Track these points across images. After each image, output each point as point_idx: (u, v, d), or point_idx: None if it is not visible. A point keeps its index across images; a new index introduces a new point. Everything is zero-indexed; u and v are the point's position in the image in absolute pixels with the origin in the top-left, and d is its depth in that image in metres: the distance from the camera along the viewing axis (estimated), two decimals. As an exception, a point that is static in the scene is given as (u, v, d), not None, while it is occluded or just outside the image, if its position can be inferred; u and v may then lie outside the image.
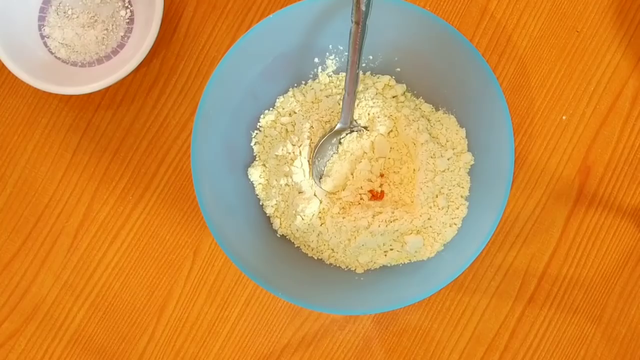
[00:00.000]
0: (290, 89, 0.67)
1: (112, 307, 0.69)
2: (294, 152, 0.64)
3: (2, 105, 0.70)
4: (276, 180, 0.64)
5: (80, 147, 0.70)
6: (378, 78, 0.66)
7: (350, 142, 0.65)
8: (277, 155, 0.64)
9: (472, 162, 0.64)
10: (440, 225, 0.63)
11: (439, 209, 0.63)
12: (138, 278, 0.69)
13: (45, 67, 0.68)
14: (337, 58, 0.66)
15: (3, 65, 0.66)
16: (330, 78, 0.66)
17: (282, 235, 0.66)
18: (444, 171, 0.63)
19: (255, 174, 0.66)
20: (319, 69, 0.66)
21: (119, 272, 0.69)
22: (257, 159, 0.66)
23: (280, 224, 0.65)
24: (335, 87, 0.66)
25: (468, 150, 0.65)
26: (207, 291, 0.69)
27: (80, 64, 0.69)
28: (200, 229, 0.69)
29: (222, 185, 0.64)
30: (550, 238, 0.69)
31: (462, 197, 0.64)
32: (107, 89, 0.69)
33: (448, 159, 0.64)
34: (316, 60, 0.66)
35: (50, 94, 0.69)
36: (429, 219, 0.63)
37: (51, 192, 0.70)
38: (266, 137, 0.66)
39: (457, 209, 0.64)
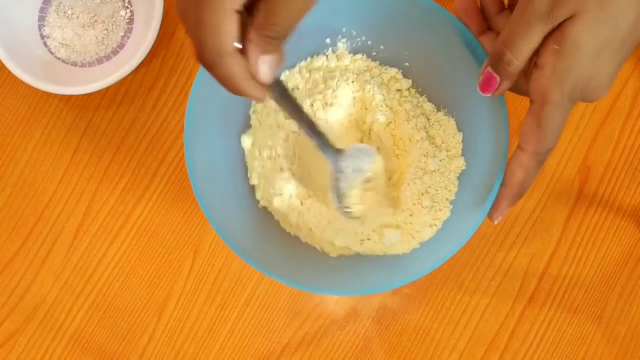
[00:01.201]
0: (297, 65, 0.66)
1: (112, 307, 0.69)
2: (284, 125, 0.63)
3: (2, 105, 0.70)
4: (259, 151, 0.64)
5: (80, 147, 0.70)
6: (386, 69, 0.66)
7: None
8: (270, 125, 0.64)
9: (464, 167, 0.64)
10: (421, 224, 0.63)
11: (422, 207, 0.63)
12: (138, 278, 0.69)
13: (45, 67, 0.68)
14: (348, 42, 0.65)
15: (3, 65, 0.66)
16: (340, 61, 0.66)
17: (264, 207, 0.65)
18: (433, 171, 0.63)
19: (247, 142, 0.65)
20: (330, 50, 0.66)
21: (119, 272, 0.69)
22: (251, 126, 0.66)
23: (262, 196, 0.65)
24: (342, 69, 0.66)
25: (461, 155, 0.64)
26: (207, 291, 0.69)
27: (80, 64, 0.69)
28: (201, 229, 0.69)
29: (213, 148, 0.62)
30: (550, 238, 0.69)
31: (447, 199, 0.63)
32: (107, 89, 0.69)
33: (440, 160, 0.64)
34: (328, 41, 0.66)
35: (50, 94, 0.69)
36: (410, 215, 0.63)
37: (51, 192, 0.70)
38: (264, 107, 0.66)
39: (440, 210, 0.63)
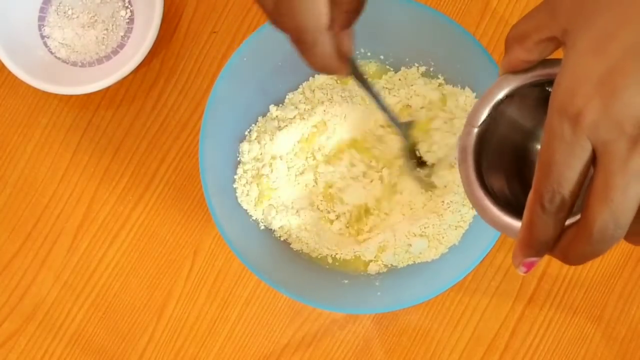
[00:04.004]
0: (300, 86, 0.66)
1: (112, 307, 0.69)
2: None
3: (2, 105, 0.70)
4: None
5: (80, 147, 0.70)
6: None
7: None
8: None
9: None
10: (446, 228, 0.63)
11: (445, 209, 0.63)
12: (138, 278, 0.69)
13: (45, 67, 0.68)
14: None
15: (3, 65, 0.66)
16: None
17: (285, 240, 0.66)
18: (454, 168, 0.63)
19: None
20: None
21: (119, 272, 0.69)
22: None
23: (279, 234, 0.65)
24: (344, 83, 0.66)
25: None
26: (207, 291, 0.69)
27: (80, 64, 0.69)
28: (201, 229, 0.69)
29: (227, 176, 0.63)
30: (550, 238, 0.68)
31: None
32: (107, 89, 0.69)
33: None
34: None
35: (50, 94, 0.69)
36: (435, 222, 0.63)
37: (51, 192, 0.70)
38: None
39: (465, 212, 0.63)
